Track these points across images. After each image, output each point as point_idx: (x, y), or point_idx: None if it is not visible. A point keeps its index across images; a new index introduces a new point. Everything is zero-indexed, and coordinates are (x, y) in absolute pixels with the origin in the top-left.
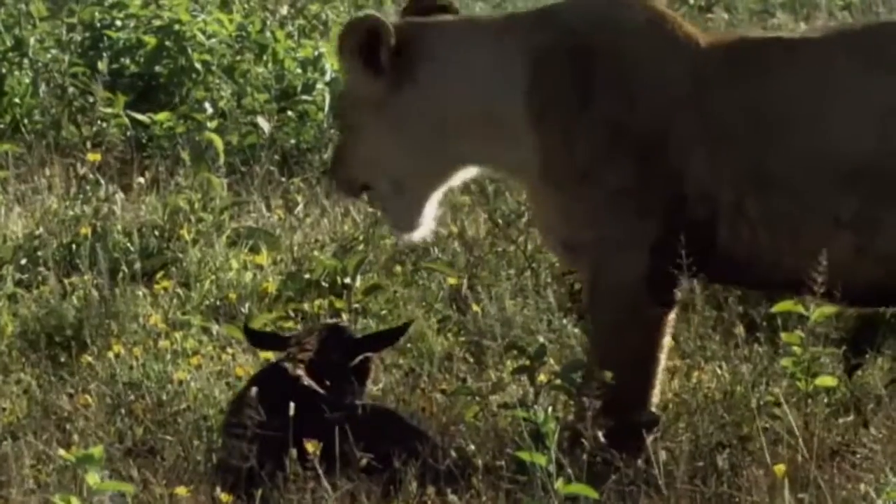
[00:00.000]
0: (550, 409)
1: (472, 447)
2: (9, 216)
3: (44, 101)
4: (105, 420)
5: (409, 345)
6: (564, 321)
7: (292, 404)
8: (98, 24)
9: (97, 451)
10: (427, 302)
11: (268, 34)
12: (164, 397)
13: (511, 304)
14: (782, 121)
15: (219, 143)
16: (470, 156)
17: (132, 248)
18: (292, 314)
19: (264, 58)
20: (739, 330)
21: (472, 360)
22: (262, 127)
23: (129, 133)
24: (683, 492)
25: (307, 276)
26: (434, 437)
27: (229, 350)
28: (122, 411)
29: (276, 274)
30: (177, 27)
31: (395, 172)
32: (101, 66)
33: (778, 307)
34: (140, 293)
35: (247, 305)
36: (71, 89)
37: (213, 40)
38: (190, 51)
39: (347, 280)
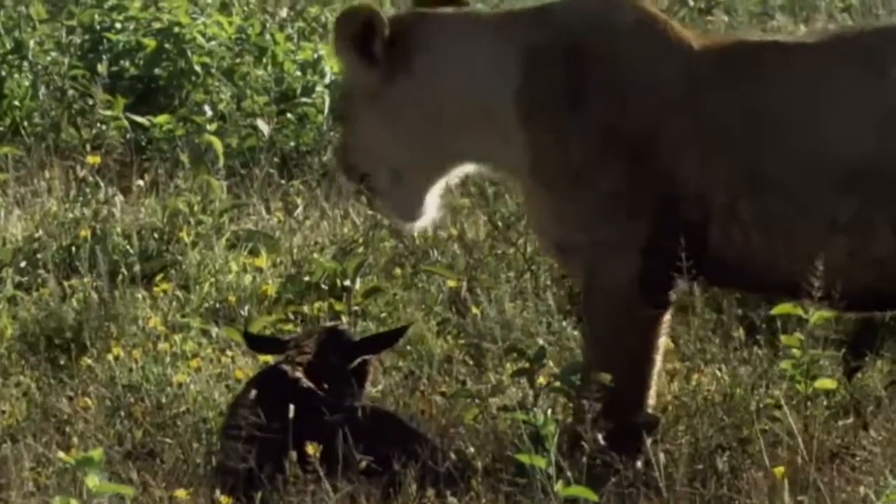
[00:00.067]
0: (550, 411)
1: (472, 449)
2: (8, 219)
3: (43, 104)
4: (105, 422)
5: (408, 347)
6: (564, 324)
7: (291, 407)
8: (98, 27)
9: (97, 453)
10: (426, 304)
11: (267, 37)
12: (164, 400)
13: (510, 307)
14: (778, 123)
15: (218, 145)
16: (464, 150)
17: (132, 251)
18: (292, 317)
19: (264, 60)
20: (739, 332)
21: (471, 362)
22: (261, 129)
23: (128, 135)
24: (683, 494)
25: (307, 278)
26: (433, 440)
27: (229, 352)
28: (122, 414)
29: (275, 276)
30: (176, 30)
31: (392, 162)
32: (101, 68)
33: (777, 310)
34: (139, 296)
35: (246, 308)
36: (70, 92)
37: (213, 43)
38: (189, 53)
39: (347, 282)
